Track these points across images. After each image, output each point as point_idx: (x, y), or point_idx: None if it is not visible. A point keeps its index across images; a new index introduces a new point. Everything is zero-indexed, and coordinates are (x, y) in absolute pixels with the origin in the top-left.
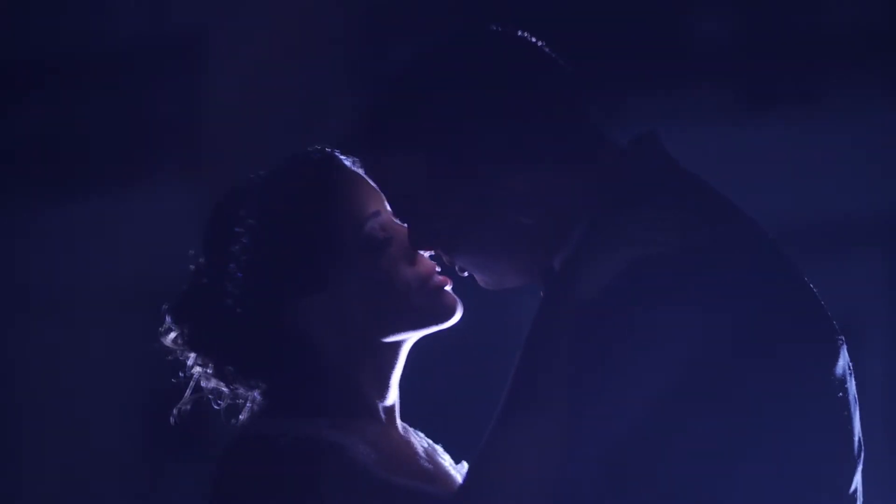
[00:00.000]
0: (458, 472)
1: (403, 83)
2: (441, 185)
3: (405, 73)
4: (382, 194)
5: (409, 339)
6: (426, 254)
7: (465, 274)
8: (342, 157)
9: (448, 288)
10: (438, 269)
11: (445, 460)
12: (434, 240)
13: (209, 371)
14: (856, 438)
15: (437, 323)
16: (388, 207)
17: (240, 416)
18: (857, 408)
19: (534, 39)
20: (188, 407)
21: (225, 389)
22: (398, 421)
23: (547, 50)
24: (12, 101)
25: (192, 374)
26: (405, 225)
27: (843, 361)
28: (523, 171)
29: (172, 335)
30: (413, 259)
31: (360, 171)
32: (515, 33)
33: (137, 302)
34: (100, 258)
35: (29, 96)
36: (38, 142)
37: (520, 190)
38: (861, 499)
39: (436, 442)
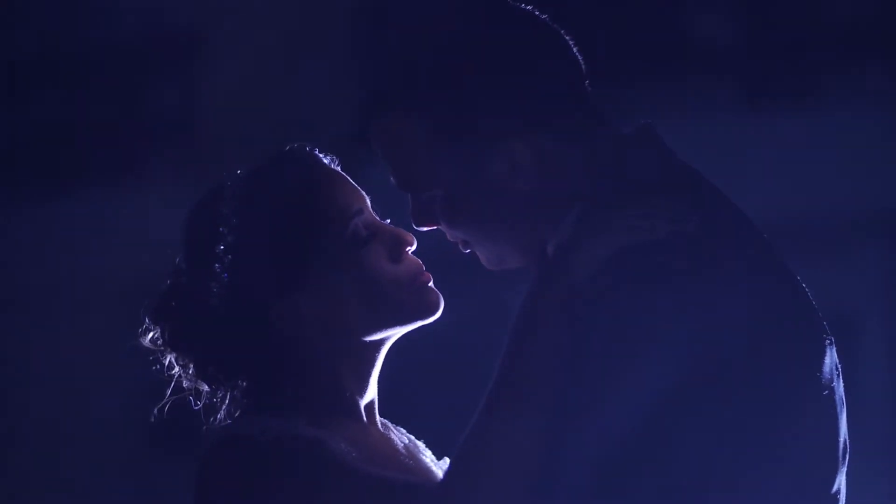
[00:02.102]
0: (439, 468)
1: (406, 47)
2: (441, 145)
3: (408, 38)
4: (364, 193)
5: (392, 336)
6: (414, 248)
7: (468, 251)
8: (321, 155)
9: (430, 284)
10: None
11: (426, 456)
12: (435, 213)
13: (189, 370)
14: (841, 439)
15: (421, 319)
16: (370, 206)
17: (218, 415)
18: (844, 409)
19: (538, 13)
20: (161, 411)
21: (205, 388)
22: (377, 418)
23: (551, 24)
24: (9, 100)
25: (172, 374)
26: (388, 220)
27: (831, 361)
28: (522, 138)
29: (151, 335)
30: (398, 257)
31: (339, 169)
32: (520, 4)
33: (137, 300)
34: (97, 256)
35: (26, 95)
36: (35, 140)
37: (518, 156)
38: (843, 500)
39: (417, 438)
